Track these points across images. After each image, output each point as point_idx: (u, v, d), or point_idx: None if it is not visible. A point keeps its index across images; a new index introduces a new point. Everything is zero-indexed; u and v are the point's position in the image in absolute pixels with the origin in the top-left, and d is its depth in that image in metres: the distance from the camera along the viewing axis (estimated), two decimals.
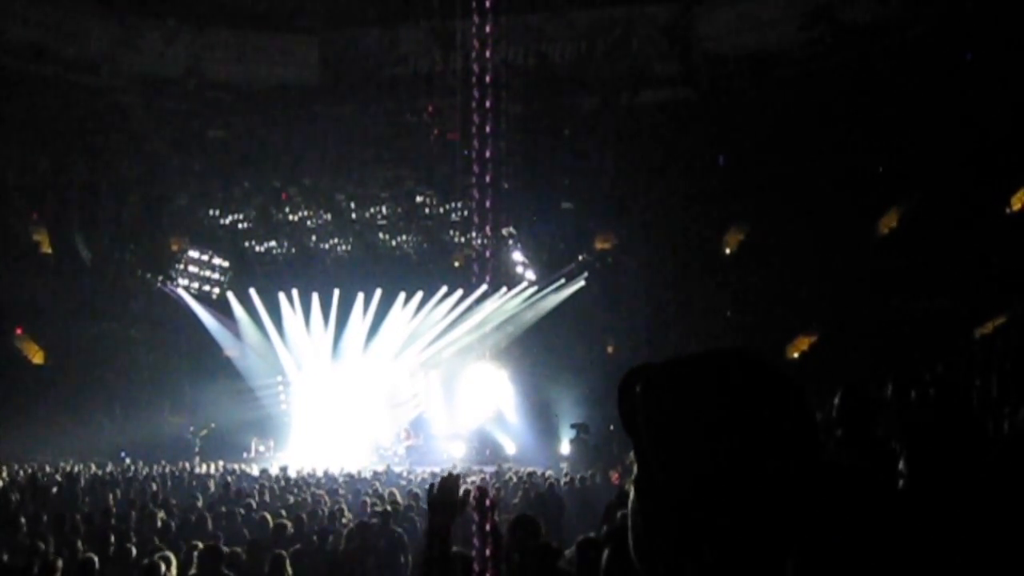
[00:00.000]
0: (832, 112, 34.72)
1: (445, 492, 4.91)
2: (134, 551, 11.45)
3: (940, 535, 3.50)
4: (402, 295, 41.51)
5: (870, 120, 33.60)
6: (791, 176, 35.45)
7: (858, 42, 35.99)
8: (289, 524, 13.68)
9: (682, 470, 1.40)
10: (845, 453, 5.27)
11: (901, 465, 4.35)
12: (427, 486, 5.48)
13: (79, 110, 40.40)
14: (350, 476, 25.89)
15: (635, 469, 1.50)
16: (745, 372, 1.44)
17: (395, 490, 19.63)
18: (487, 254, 38.39)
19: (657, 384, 1.48)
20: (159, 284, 43.03)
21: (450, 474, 4.89)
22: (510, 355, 39.92)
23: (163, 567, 9.87)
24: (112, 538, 12.43)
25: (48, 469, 26.68)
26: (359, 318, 41.80)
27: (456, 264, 44.37)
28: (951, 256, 28.82)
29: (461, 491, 4.82)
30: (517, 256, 42.35)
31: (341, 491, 21.58)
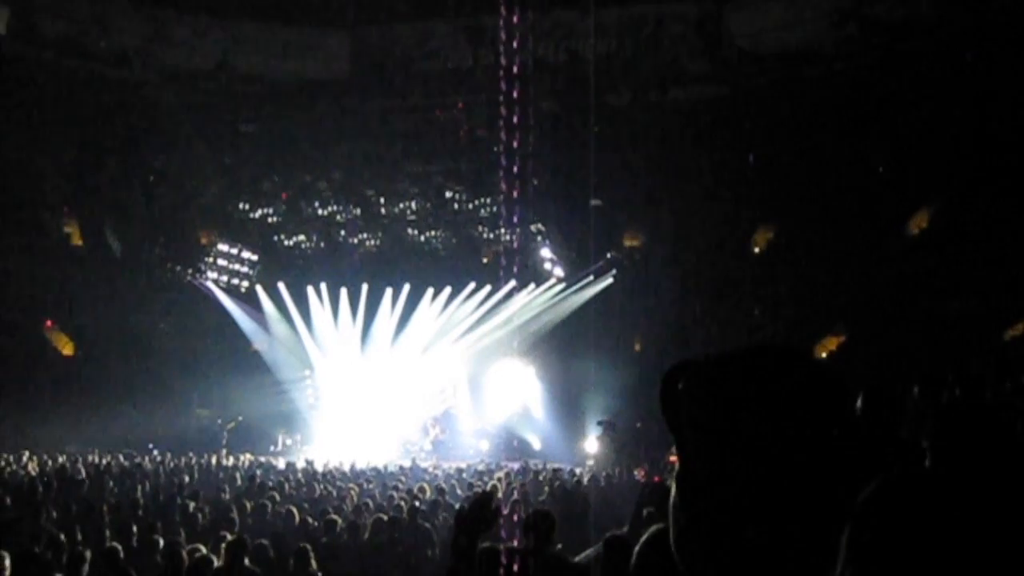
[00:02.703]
0: (863, 111, 34.56)
1: (477, 509, 4.91)
2: (161, 542, 11.49)
3: (970, 537, 3.46)
4: (430, 290, 41.53)
5: (901, 119, 33.43)
6: (821, 175, 35.33)
7: (889, 40, 35.82)
8: (315, 518, 13.72)
9: (724, 466, 1.39)
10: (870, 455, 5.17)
11: (927, 466, 4.32)
12: (459, 507, 5.51)
13: (110, 103, 40.61)
14: (376, 470, 25.92)
15: (677, 465, 1.49)
16: (789, 368, 1.43)
17: (424, 484, 19.66)
18: (516, 250, 38.42)
19: (701, 380, 1.47)
20: (188, 277, 43.21)
21: (484, 492, 4.89)
22: (537, 351, 39.90)
23: (183, 559, 9.93)
24: (139, 529, 12.49)
25: (77, 460, 26.83)
26: (387, 313, 41.86)
27: (485, 260, 44.35)
28: (981, 257, 28.64)
29: (493, 503, 4.81)
30: (545, 253, 42.30)
31: (367, 485, 21.62)
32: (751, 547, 1.36)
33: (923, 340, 28.07)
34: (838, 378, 1.43)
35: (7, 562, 8.78)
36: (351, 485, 20.70)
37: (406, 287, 41.47)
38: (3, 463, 25.11)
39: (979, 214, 30.20)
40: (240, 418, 37.98)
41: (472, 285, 41.26)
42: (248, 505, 15.80)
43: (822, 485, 1.36)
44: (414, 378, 40.44)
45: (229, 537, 11.09)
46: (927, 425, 5.19)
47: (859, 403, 5.54)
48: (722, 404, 1.42)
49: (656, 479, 17.89)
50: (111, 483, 21.11)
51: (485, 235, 44.72)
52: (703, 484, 1.41)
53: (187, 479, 22.54)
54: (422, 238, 45.74)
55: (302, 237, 46.37)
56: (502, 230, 40.94)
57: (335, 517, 13.89)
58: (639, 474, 23.55)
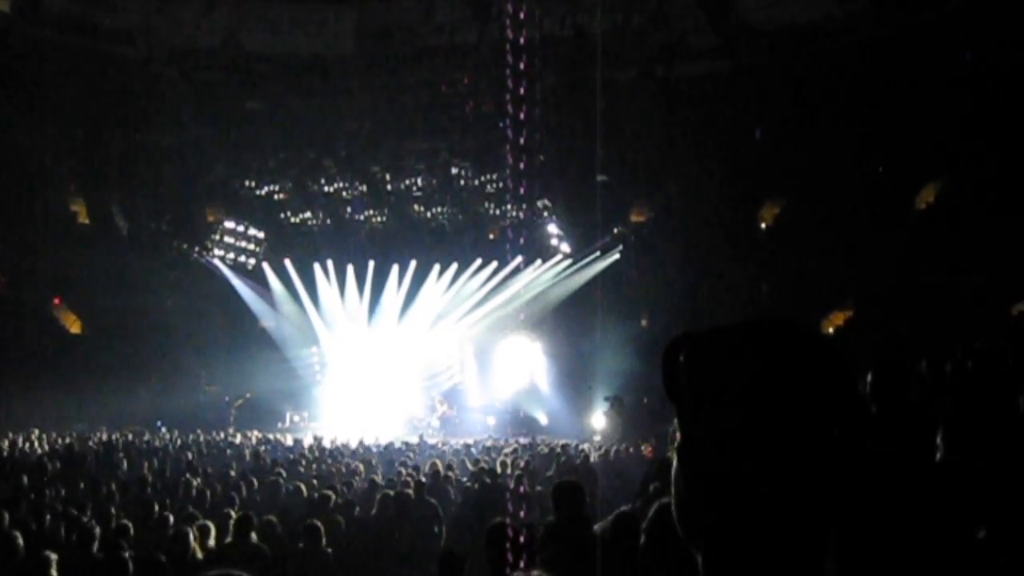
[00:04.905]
0: (870, 86, 34.43)
1: None
2: (171, 519, 11.53)
3: (978, 509, 3.49)
4: (437, 267, 41.60)
5: (908, 94, 33.29)
6: (827, 150, 35.23)
7: (896, 15, 35.62)
8: (323, 494, 13.75)
9: (724, 437, 1.39)
10: (880, 429, 5.22)
11: (938, 440, 4.33)
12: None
13: (116, 81, 40.57)
14: (384, 447, 25.97)
15: (678, 436, 1.50)
16: (790, 340, 1.43)
17: (437, 460, 19.70)
18: (522, 226, 38.42)
19: (701, 351, 1.47)
20: (195, 255, 43.30)
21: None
22: (544, 327, 39.98)
23: (191, 535, 9.96)
24: (148, 507, 12.53)
25: (89, 439, 26.91)
26: (393, 290, 41.93)
27: (491, 236, 44.41)
28: (988, 232, 28.57)
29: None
30: (552, 229, 42.34)
31: (375, 462, 21.66)
32: (750, 517, 1.37)
33: (930, 315, 28.05)
34: (838, 349, 1.44)
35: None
36: (358, 461, 20.75)
37: (412, 263, 41.56)
38: (11, 441, 25.19)
39: (986, 189, 30.14)
40: (248, 395, 38.11)
41: (479, 261, 41.34)
42: (256, 482, 15.84)
43: (823, 456, 1.37)
44: (421, 355, 40.53)
45: (235, 514, 11.13)
46: (940, 404, 5.19)
47: (869, 377, 5.57)
48: (721, 375, 1.42)
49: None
50: (121, 460, 21.16)
51: (491, 211, 44.74)
52: (703, 455, 1.42)
53: (195, 456, 22.59)
54: (428, 214, 45.78)
55: (308, 214, 46.44)
56: (508, 206, 40.99)
57: (343, 493, 13.90)
58: (646, 450, 23.56)
